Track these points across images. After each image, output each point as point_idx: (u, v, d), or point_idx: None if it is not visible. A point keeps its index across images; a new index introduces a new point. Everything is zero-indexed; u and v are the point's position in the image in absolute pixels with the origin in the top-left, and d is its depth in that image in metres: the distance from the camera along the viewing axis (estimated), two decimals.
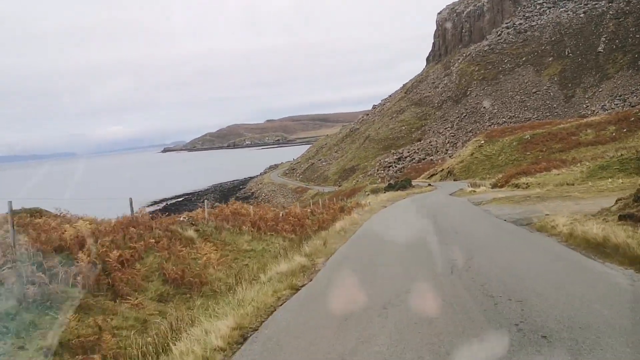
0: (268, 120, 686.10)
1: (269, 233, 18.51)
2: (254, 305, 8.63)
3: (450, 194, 47.39)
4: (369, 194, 63.95)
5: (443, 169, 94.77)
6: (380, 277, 10.44)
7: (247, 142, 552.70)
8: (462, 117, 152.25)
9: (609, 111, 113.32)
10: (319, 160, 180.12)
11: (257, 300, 8.99)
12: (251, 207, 21.47)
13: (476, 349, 5.76)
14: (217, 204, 25.43)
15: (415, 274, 10.41)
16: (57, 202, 19.59)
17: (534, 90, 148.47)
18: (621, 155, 40.98)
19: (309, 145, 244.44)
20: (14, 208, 9.83)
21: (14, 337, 6.74)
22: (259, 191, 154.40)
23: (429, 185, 71.77)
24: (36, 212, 21.37)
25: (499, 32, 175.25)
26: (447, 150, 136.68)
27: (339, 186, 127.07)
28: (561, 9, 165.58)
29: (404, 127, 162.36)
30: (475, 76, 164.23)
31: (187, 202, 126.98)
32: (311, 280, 11.05)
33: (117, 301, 8.67)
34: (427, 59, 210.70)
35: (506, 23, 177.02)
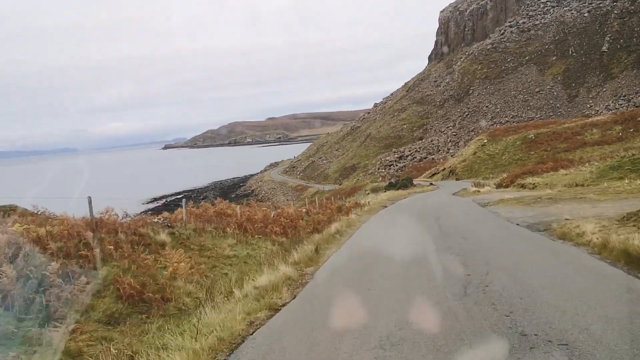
0: (269, 118, 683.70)
1: (256, 236, 16.76)
2: (217, 335, 6.85)
3: (453, 194, 45.79)
4: (369, 193, 62.36)
5: (445, 168, 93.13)
6: (377, 298, 8.60)
7: (248, 140, 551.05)
8: (465, 116, 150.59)
9: (612, 111, 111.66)
10: (320, 158, 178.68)
11: (224, 327, 7.21)
12: (238, 207, 19.62)
13: None
14: (202, 203, 23.59)
15: (419, 294, 8.52)
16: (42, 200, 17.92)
17: (537, 89, 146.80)
18: (632, 155, 39.20)
19: (310, 144, 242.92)
20: None
21: None
22: (258, 189, 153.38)
23: (431, 184, 70.55)
24: (11, 210, 19.76)
25: (502, 31, 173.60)
26: (448, 149, 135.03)
27: (340, 185, 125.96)
28: (565, 8, 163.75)
29: (405, 126, 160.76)
30: (477, 75, 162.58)
31: (186, 199, 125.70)
32: (294, 297, 9.24)
33: (47, 326, 6.93)
34: (429, 57, 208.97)
35: (509, 22, 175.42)
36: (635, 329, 5.86)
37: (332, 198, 46.07)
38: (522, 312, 6.91)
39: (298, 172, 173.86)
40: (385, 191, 59.28)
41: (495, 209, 23.24)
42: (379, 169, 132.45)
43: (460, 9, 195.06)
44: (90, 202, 11.16)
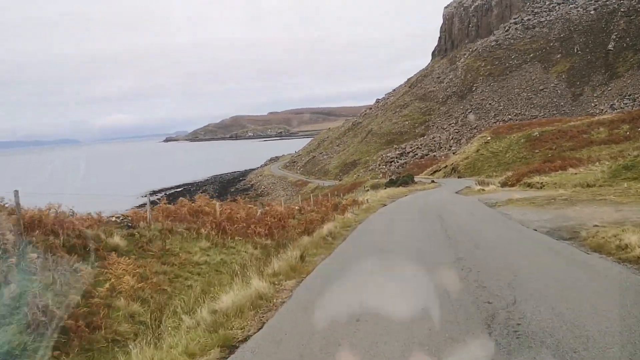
0: (271, 113, 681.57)
1: (236, 238, 14.63)
2: None
3: (456, 192, 43.86)
4: (368, 190, 60.46)
5: (447, 166, 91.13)
6: (369, 334, 6.30)
7: (249, 134, 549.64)
8: (467, 113, 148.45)
9: (618, 110, 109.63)
10: (320, 153, 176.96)
11: None
12: (217, 203, 17.41)
13: None
14: (180, 199, 21.42)
15: (426, 329, 6.23)
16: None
17: (541, 87, 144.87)
18: None
19: (311, 139, 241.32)
20: None
21: None
22: (258, 183, 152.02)
23: (432, 181, 69.01)
24: None
25: (507, 28, 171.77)
26: (450, 146, 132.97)
27: (340, 180, 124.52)
28: (571, 5, 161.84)
29: (407, 122, 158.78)
30: (481, 72, 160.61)
31: (185, 192, 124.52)
32: (261, 328, 6.99)
33: None
34: (433, 54, 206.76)
35: (514, 18, 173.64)
36: None
37: (328, 195, 44.05)
38: None
39: (298, 167, 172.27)
40: (385, 188, 57.85)
41: (506, 210, 21.07)
42: (379, 165, 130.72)
43: (464, 5, 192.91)
44: (16, 196, 9.03)
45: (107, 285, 8.15)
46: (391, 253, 12.42)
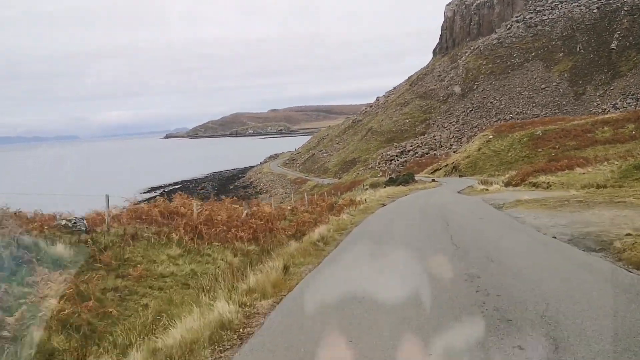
0: (271, 110, 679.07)
1: (214, 243, 12.87)
2: None
3: (458, 192, 42.32)
4: (367, 189, 58.81)
5: (447, 164, 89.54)
6: None
7: (249, 131, 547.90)
8: (468, 111, 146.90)
9: (621, 110, 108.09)
10: (320, 151, 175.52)
11: None
12: (195, 203, 15.51)
13: None
14: (156, 197, 19.65)
15: None
16: None
17: (542, 86, 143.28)
18: None
19: (311, 136, 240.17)
20: None
21: None
22: (257, 181, 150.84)
23: (433, 180, 67.57)
24: None
25: (509, 26, 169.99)
26: (451, 145, 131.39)
27: (339, 178, 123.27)
28: (574, 4, 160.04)
29: (407, 120, 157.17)
30: (482, 70, 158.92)
31: (184, 189, 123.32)
32: None
33: None
34: (434, 52, 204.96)
35: (516, 17, 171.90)
36: None
37: (325, 194, 42.42)
38: None
39: (298, 165, 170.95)
40: (385, 187, 56.37)
41: (515, 212, 19.23)
42: (379, 163, 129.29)
43: (466, 3, 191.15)
44: None
45: (20, 310, 6.32)
46: (390, 265, 10.61)
